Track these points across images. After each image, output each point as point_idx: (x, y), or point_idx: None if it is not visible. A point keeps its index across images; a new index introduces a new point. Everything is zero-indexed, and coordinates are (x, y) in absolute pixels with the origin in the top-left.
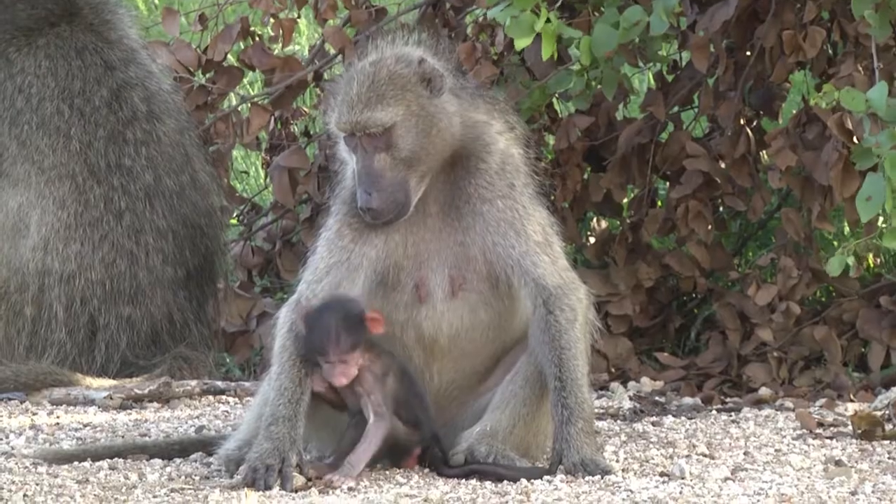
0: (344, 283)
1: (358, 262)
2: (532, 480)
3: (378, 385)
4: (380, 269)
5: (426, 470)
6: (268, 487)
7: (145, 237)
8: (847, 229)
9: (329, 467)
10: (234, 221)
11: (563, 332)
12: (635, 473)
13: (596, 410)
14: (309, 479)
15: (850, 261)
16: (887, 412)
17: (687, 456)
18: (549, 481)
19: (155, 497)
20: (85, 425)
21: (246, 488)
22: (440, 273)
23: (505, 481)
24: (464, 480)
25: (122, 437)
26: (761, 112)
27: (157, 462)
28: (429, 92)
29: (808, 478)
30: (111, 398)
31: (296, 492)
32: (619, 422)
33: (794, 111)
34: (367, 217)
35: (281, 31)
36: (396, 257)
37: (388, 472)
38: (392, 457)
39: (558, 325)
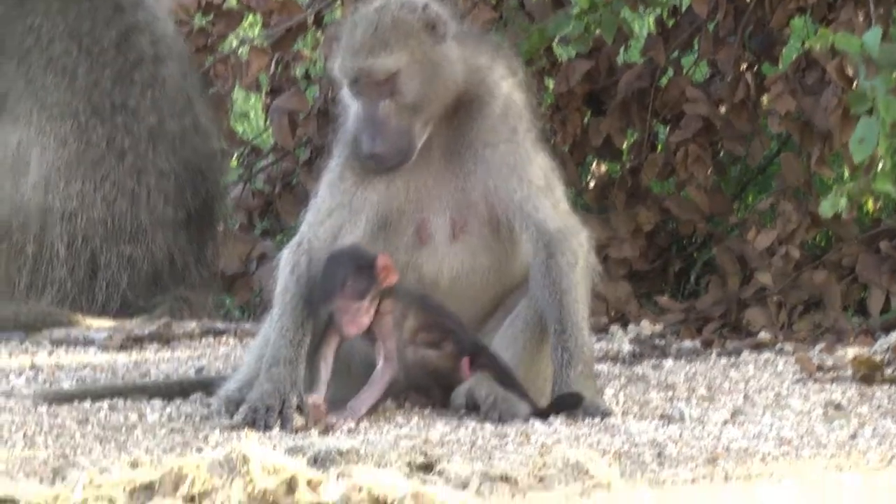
0: (346, 225)
1: (360, 206)
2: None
3: (395, 331)
4: (381, 213)
5: (427, 411)
6: (268, 428)
7: (147, 178)
8: (846, 174)
9: (330, 409)
10: (234, 164)
11: (564, 276)
12: (635, 416)
13: (596, 354)
14: (309, 421)
15: (843, 203)
16: (887, 356)
17: (686, 399)
18: (549, 423)
19: (155, 437)
20: (85, 366)
21: (246, 428)
22: (441, 216)
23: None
24: (466, 419)
25: (123, 377)
26: (761, 57)
27: (158, 402)
28: (433, 38)
29: (808, 421)
30: (111, 339)
31: (296, 432)
32: (618, 365)
33: (794, 56)
34: (370, 164)
35: None
36: (398, 201)
37: (388, 414)
38: (443, 388)
39: (559, 268)
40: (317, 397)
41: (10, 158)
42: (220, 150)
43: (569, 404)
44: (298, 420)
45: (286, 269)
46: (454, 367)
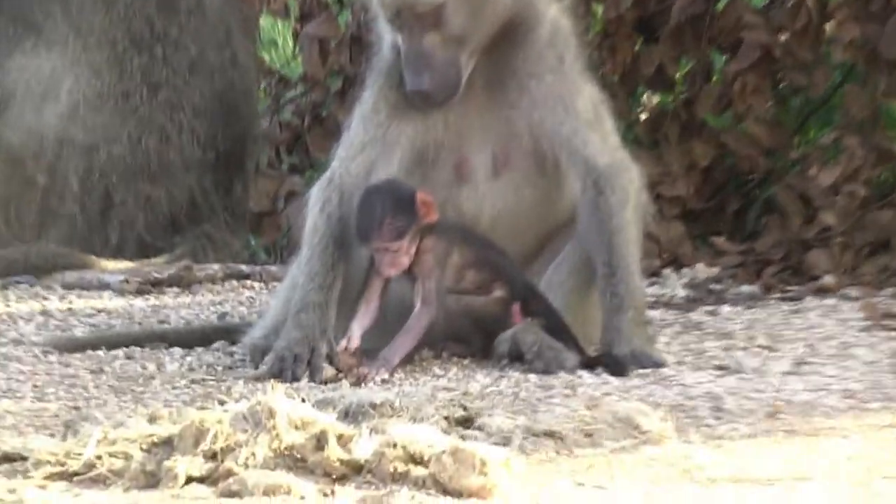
0: (380, 161)
1: (395, 139)
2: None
3: (437, 271)
4: (418, 147)
5: (466, 361)
6: (295, 379)
7: (179, 114)
8: None
9: (363, 358)
10: (261, 94)
11: (614, 215)
12: (690, 366)
13: (648, 299)
14: (340, 371)
15: None
16: None
17: (745, 348)
18: (598, 374)
19: (174, 388)
20: (99, 311)
21: (272, 379)
22: (483, 151)
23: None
24: (508, 370)
25: (140, 324)
26: None
27: (177, 351)
28: None
29: (875, 372)
30: (127, 282)
31: (325, 384)
32: (672, 311)
33: None
34: (417, 101)
35: None
36: (436, 134)
37: (424, 364)
38: (486, 336)
39: (608, 207)
40: (350, 345)
41: (40, 86)
42: (259, 88)
43: (617, 366)
44: (329, 370)
45: (316, 206)
46: (502, 314)
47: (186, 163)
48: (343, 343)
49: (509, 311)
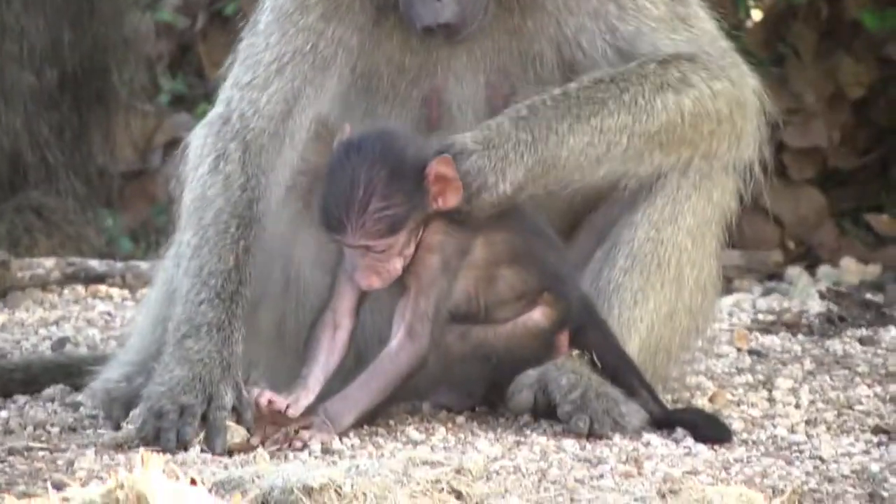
0: (305, 88)
1: (330, 54)
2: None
3: (440, 283)
4: (365, 69)
5: (461, 418)
6: (181, 446)
7: None
8: None
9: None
10: None
11: None
12: (830, 428)
13: (761, 317)
14: (254, 434)
15: None
16: None
17: None
18: (675, 439)
19: None
20: None
21: (143, 447)
22: (470, 80)
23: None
24: (530, 432)
25: None
26: None
27: None
28: None
29: None
30: None
31: (230, 454)
32: (801, 336)
33: None
34: (434, 38)
35: None
36: (393, 51)
37: (393, 423)
38: (500, 378)
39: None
40: (297, 401)
41: None
42: None
43: (715, 427)
44: (236, 432)
45: (205, 161)
46: (538, 349)
47: (7, 92)
48: (267, 397)
49: (550, 343)
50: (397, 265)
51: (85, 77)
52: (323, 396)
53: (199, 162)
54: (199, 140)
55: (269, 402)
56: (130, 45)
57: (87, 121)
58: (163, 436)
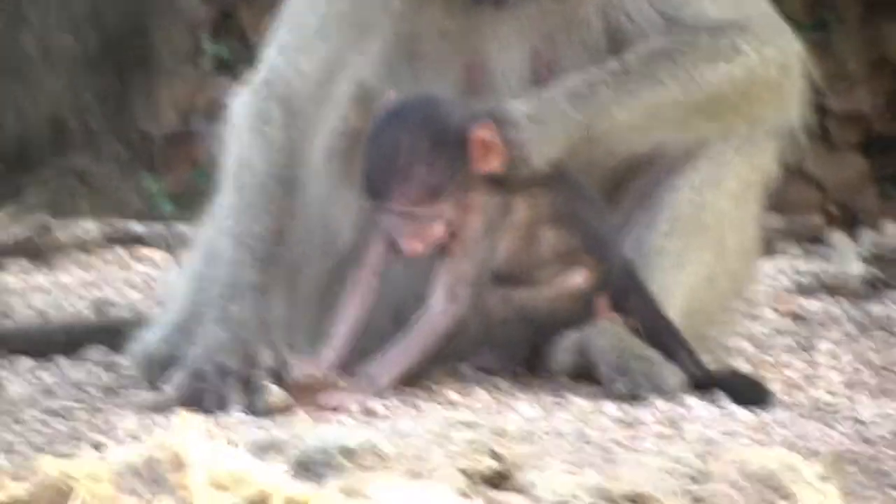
0: (348, 52)
1: (373, 17)
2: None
3: (484, 244)
4: (408, 33)
5: (501, 381)
6: (221, 408)
7: None
8: None
9: (333, 370)
10: None
11: None
12: (870, 391)
13: (803, 280)
14: (295, 396)
15: None
16: None
17: None
18: (716, 401)
19: (23, 423)
20: None
21: (182, 409)
22: (515, 46)
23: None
24: (569, 395)
25: None
26: None
27: (26, 362)
28: None
29: None
30: None
31: (270, 416)
32: (843, 300)
33: None
34: (483, 5)
35: None
36: (436, 14)
37: (432, 386)
38: (546, 340)
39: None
40: (324, 359)
41: None
42: None
43: (755, 390)
44: (277, 395)
45: (245, 126)
46: (578, 312)
47: (50, 56)
48: (304, 371)
49: (591, 306)
50: (441, 230)
51: (126, 40)
52: (359, 357)
53: (242, 125)
54: (242, 103)
55: (303, 365)
56: (171, 7)
57: (129, 85)
58: (204, 397)
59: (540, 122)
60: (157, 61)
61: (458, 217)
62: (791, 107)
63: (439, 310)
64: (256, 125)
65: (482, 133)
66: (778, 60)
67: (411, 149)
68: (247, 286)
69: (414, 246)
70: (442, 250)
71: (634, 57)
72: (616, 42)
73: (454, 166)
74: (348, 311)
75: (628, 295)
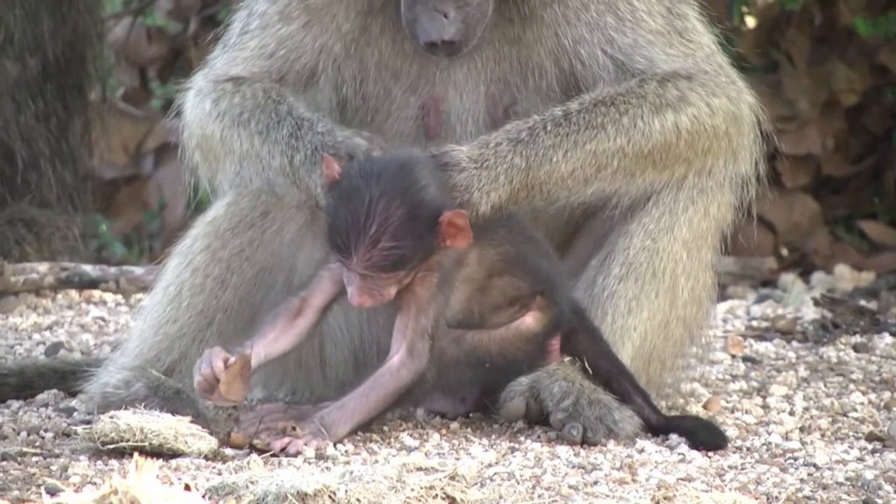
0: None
1: (311, 63)
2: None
3: (438, 301)
4: (355, 75)
5: (455, 424)
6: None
7: None
8: None
9: (290, 415)
10: None
11: None
12: (824, 436)
13: (756, 324)
14: (252, 436)
15: None
16: None
17: None
18: (669, 445)
19: None
20: None
21: (137, 452)
22: (470, 90)
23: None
24: (524, 439)
25: None
26: None
27: None
28: None
29: None
30: None
31: (219, 458)
32: (796, 344)
33: None
34: (436, 54)
35: None
36: (387, 55)
37: (387, 429)
38: (499, 382)
39: None
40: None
41: None
42: None
43: (711, 433)
44: (235, 436)
45: (200, 106)
46: (531, 353)
47: None
48: (220, 356)
49: (543, 348)
50: (392, 291)
51: (68, 73)
52: (319, 402)
53: (197, 104)
54: (198, 88)
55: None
56: (104, 38)
57: (72, 119)
58: None
59: (485, 167)
60: (106, 98)
61: (413, 278)
62: (742, 157)
63: (400, 364)
64: (214, 102)
65: (454, 219)
66: (728, 111)
67: (384, 221)
68: (285, 118)
69: (363, 300)
70: (399, 302)
71: (578, 105)
72: (570, 87)
73: (422, 244)
74: (271, 332)
75: (579, 337)
